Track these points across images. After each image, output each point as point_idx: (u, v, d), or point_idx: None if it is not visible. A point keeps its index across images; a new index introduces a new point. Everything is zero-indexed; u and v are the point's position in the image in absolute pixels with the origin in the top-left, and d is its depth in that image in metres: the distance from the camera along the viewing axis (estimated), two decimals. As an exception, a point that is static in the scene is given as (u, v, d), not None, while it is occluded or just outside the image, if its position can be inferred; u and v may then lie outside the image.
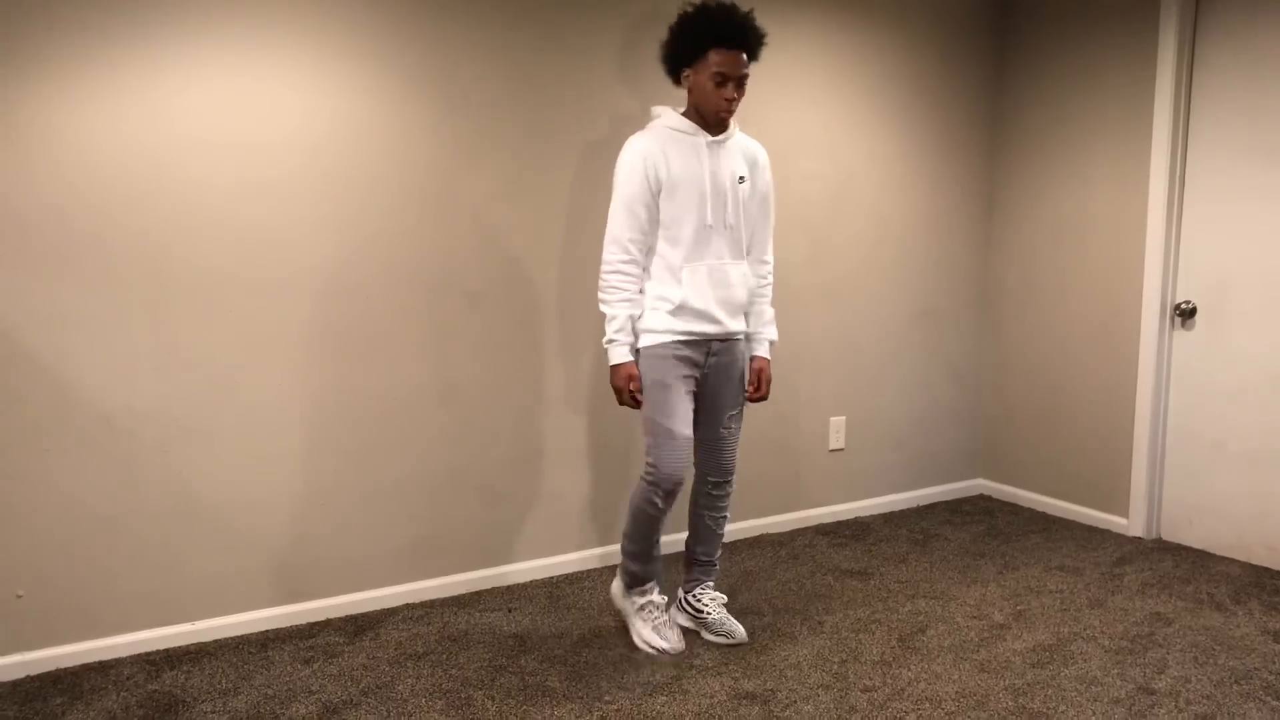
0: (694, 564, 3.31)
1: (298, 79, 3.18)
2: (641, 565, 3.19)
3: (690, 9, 2.98)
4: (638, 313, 3.02)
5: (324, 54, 3.21)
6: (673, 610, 3.37)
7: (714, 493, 3.23)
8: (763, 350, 3.22)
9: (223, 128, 3.10)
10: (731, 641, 3.22)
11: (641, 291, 3.02)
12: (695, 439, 3.17)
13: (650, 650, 3.15)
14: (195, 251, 3.10)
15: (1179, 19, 3.92)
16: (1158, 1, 3.99)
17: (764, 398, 3.23)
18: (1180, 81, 3.97)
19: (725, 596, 3.35)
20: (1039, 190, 4.53)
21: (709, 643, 3.21)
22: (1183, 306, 4.04)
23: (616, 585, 3.31)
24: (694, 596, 3.30)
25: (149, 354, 3.07)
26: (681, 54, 2.99)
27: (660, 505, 3.04)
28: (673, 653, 3.14)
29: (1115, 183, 4.21)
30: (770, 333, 3.23)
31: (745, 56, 2.95)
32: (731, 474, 3.23)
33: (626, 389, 3.00)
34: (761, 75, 4.00)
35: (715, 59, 2.91)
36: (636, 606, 3.22)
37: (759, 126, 4.02)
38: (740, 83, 2.96)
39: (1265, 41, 3.74)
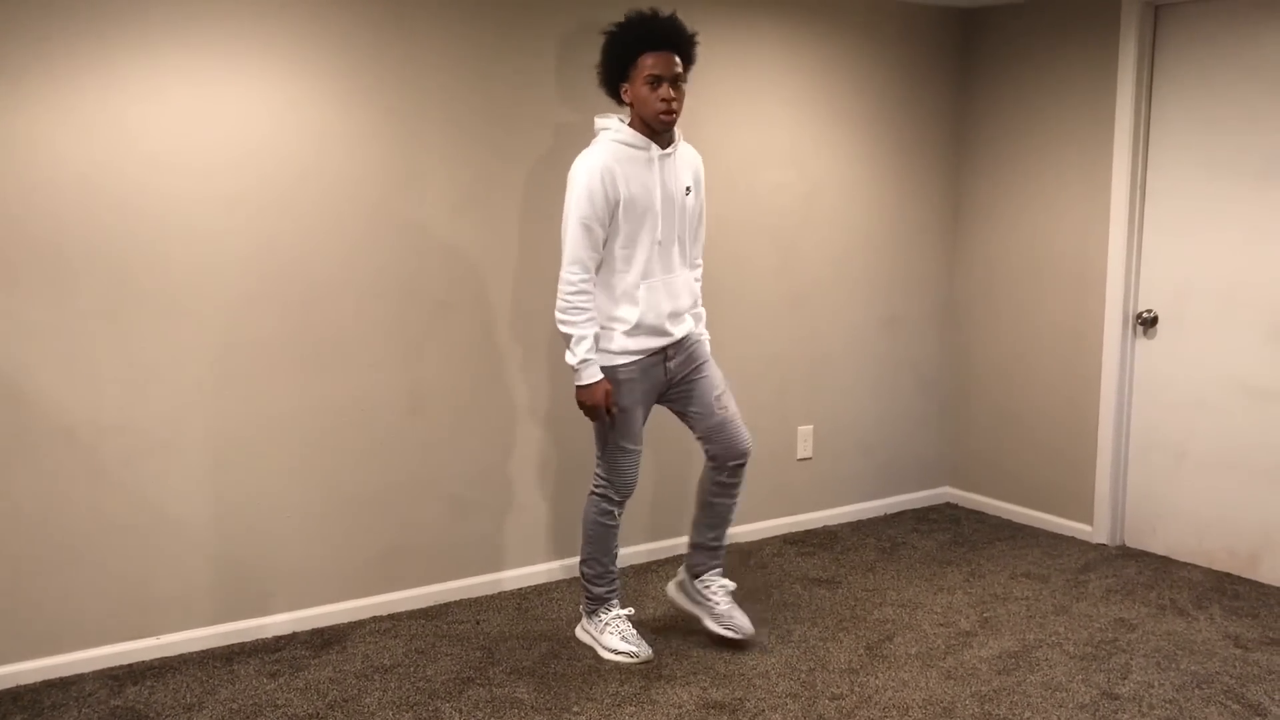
0: (703, 548, 3.27)
1: (263, 90, 3.17)
2: (605, 585, 3.22)
3: (614, 26, 3.02)
4: (598, 330, 3.03)
5: (289, 67, 3.20)
6: (671, 589, 3.38)
7: (729, 480, 3.20)
8: (706, 350, 3.29)
9: (187, 139, 3.08)
10: (737, 636, 3.21)
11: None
12: (701, 431, 3.19)
13: (619, 658, 3.14)
14: (159, 263, 3.07)
15: (1138, 34, 3.98)
16: (1118, 18, 4.05)
17: None
18: (1140, 95, 4.03)
19: (733, 584, 3.34)
20: (1003, 201, 4.58)
21: (680, 644, 3.21)
22: (1144, 315, 4.09)
23: (581, 626, 3.31)
24: (702, 583, 3.28)
25: (111, 366, 3.04)
26: (615, 68, 3.01)
27: (617, 516, 3.18)
28: (642, 658, 3.14)
29: (1077, 193, 4.27)
30: (707, 334, 3.31)
31: (677, 57, 2.97)
32: (749, 453, 3.19)
33: (604, 404, 3.01)
34: (730, 86, 4.02)
35: (647, 62, 2.94)
36: (603, 624, 3.21)
37: (728, 137, 4.04)
38: (675, 82, 2.96)
39: (1218, 57, 3.81)
